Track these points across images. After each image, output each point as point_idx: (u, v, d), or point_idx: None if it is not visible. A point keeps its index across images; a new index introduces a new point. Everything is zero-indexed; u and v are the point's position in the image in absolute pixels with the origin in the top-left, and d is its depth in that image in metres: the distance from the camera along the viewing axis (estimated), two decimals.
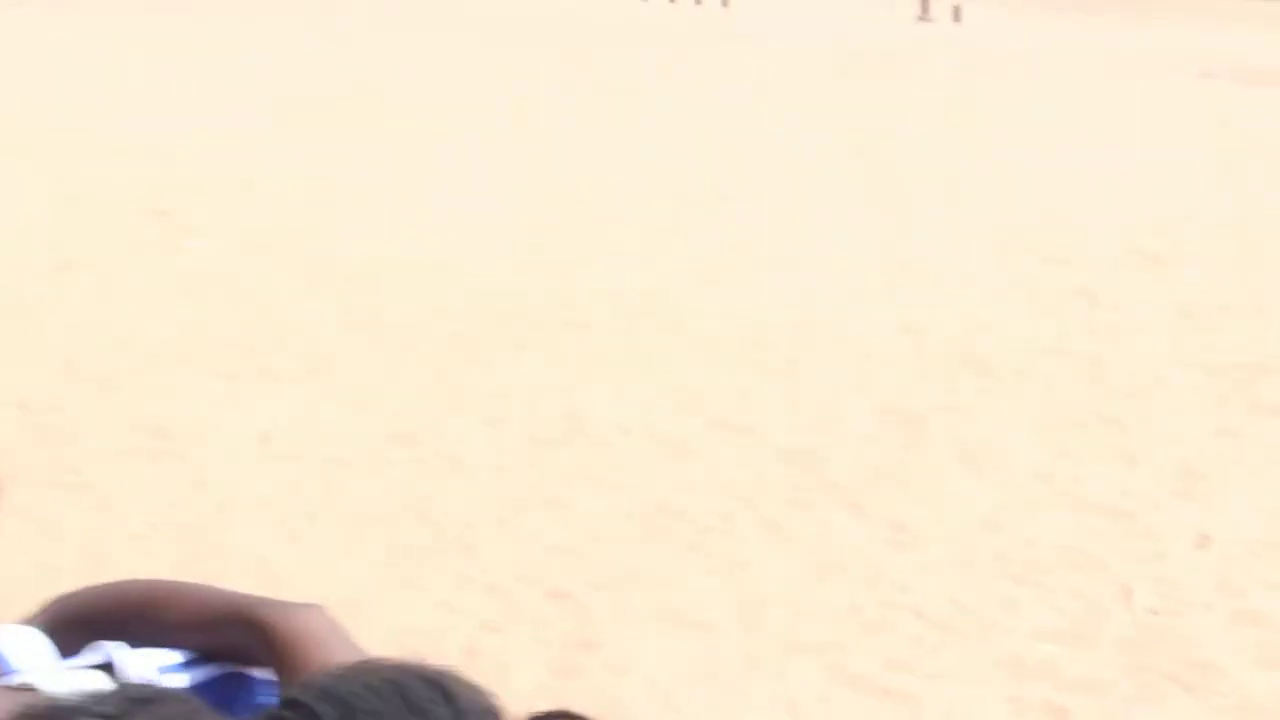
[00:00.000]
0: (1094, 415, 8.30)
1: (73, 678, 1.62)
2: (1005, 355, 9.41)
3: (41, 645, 1.79)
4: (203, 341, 9.25)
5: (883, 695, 5.18)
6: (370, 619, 5.48)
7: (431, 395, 8.36)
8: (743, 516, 6.74)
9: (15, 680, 1.68)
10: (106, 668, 1.73)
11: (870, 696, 5.18)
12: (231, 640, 1.78)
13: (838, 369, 9.05)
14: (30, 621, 1.85)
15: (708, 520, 6.69)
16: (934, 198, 14.58)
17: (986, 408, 8.39)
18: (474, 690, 1.33)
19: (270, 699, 1.59)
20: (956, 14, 40.68)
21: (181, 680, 1.77)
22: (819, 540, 6.51)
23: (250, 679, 1.80)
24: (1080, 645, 5.59)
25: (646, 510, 6.80)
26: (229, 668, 1.80)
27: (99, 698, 1.32)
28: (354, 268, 11.22)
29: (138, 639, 1.79)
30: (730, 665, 5.37)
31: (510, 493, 6.99)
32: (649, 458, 7.49)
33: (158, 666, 1.76)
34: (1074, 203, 14.47)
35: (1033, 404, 8.48)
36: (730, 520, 6.70)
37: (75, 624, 1.82)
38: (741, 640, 5.57)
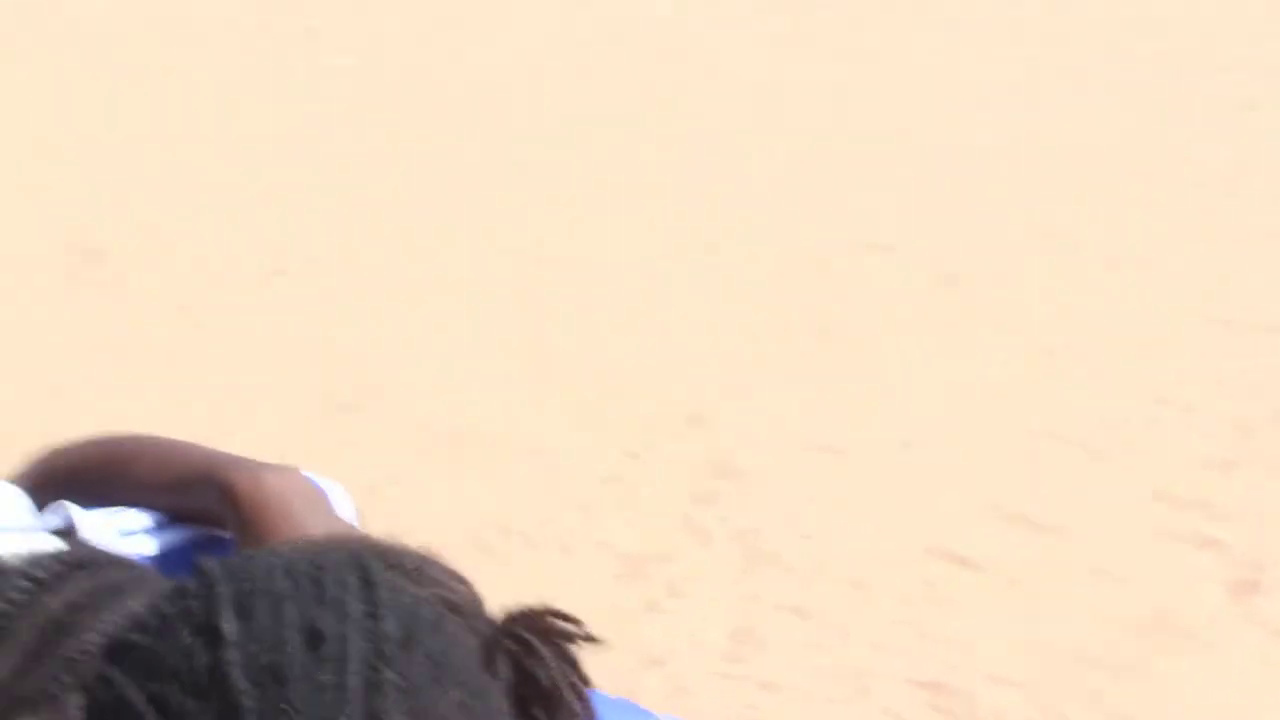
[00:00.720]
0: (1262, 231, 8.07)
1: (25, 540, 1.52)
2: (1161, 165, 9.16)
3: (19, 504, 1.68)
4: None
5: (1030, 526, 5.10)
6: (502, 439, 5.47)
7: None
8: (889, 340, 6.64)
9: None
10: (68, 531, 1.62)
11: (1017, 527, 5.10)
12: (203, 503, 1.65)
13: (986, 187, 8.86)
14: (17, 478, 1.77)
15: (852, 343, 6.60)
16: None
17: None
18: (413, 582, 1.21)
19: None
20: None
21: (146, 545, 1.64)
22: (965, 364, 6.41)
23: (228, 545, 1.65)
24: (1233, 474, 5.47)
25: (791, 329, 6.72)
26: (205, 532, 1.67)
27: (35, 560, 1.25)
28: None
29: (107, 499, 1.67)
30: (873, 495, 5.31)
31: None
32: (790, 273, 7.39)
33: (119, 529, 1.63)
34: None
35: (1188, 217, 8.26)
36: (876, 342, 6.60)
37: (54, 483, 1.71)
38: (885, 469, 5.50)
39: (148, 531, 1.65)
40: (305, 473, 1.68)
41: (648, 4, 14.34)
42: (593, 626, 1.22)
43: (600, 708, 1.24)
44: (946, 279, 7.37)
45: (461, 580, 1.23)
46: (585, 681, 1.20)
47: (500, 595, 1.27)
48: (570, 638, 1.21)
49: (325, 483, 1.67)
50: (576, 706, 1.19)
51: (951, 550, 4.95)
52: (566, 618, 1.21)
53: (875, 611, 4.62)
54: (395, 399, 6.05)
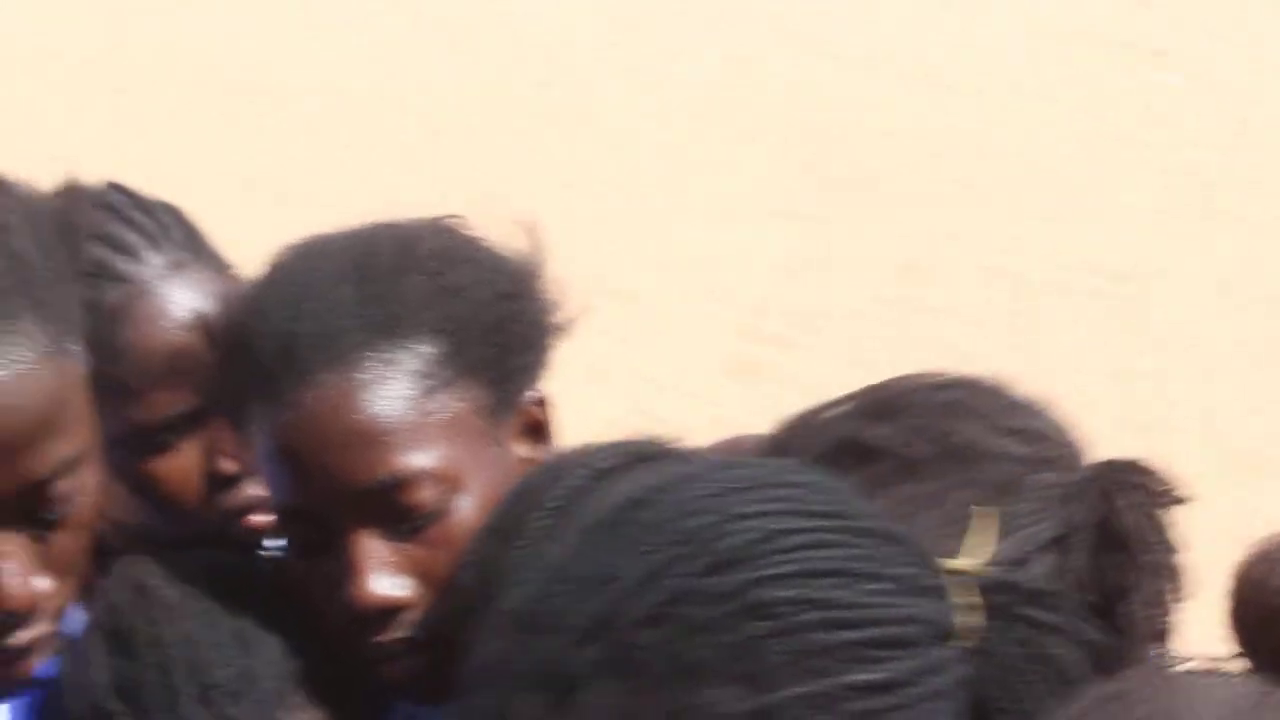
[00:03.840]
0: None
1: None
2: None
3: None
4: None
5: None
6: None
7: None
8: None
9: None
10: None
11: None
12: None
13: None
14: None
15: None
16: None
17: None
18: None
19: None
20: None
21: None
22: None
23: None
24: None
25: None
26: None
27: (597, 450, 1.42)
28: None
29: None
30: None
31: None
32: None
33: None
34: None
35: None
36: None
37: None
38: None
39: None
40: None
41: None
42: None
43: None
44: None
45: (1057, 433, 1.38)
46: (1165, 532, 1.32)
47: None
48: (1158, 491, 1.34)
49: None
50: (1153, 555, 1.30)
51: None
52: (1158, 473, 1.34)
53: None
54: None
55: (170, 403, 1.90)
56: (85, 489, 1.47)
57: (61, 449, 1.43)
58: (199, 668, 1.61)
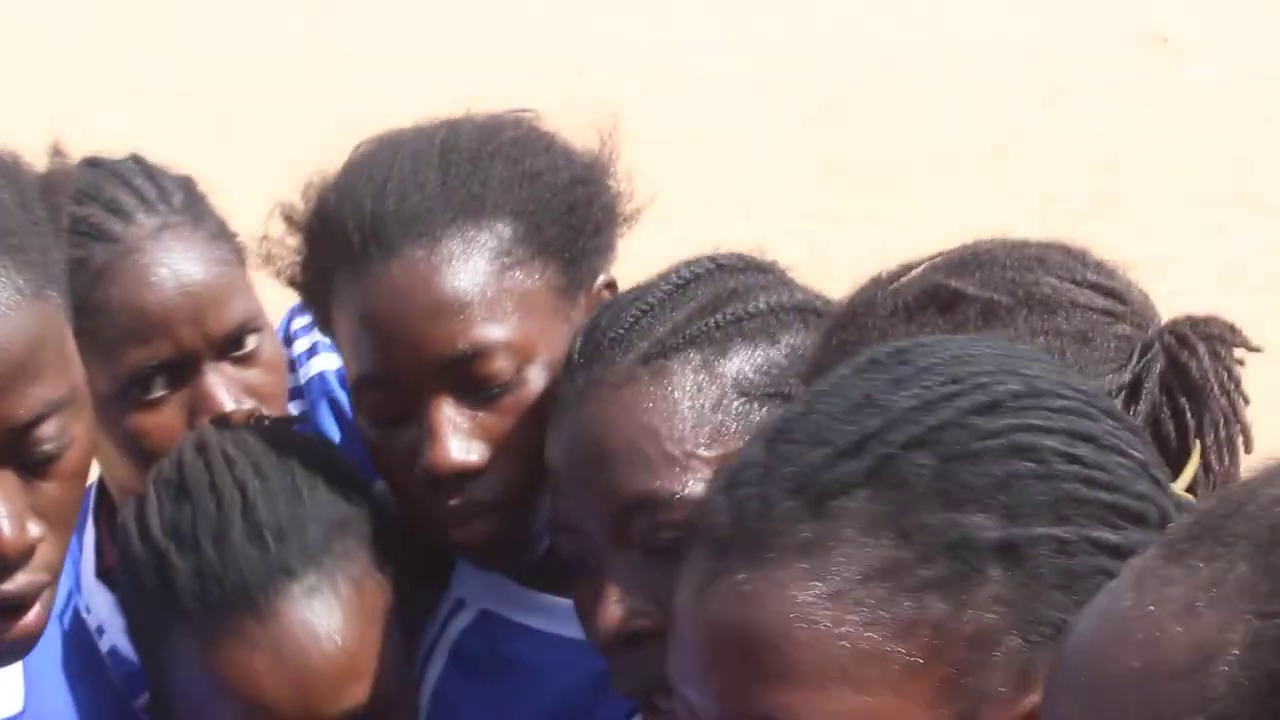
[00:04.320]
0: None
1: None
2: None
3: None
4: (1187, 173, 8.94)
5: None
6: None
7: None
8: None
9: None
10: None
11: None
12: None
13: None
14: None
15: None
16: None
17: None
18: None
19: None
20: None
21: None
22: None
23: None
24: None
25: None
26: None
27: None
28: None
29: None
30: None
31: None
32: None
33: None
34: None
35: None
36: None
37: None
38: None
39: None
40: None
41: None
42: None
43: None
44: None
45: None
46: (1236, 383, 1.38)
47: None
48: (1227, 343, 1.40)
49: None
50: (1223, 402, 1.37)
51: None
52: (1228, 326, 1.40)
53: None
54: None
55: (150, 357, 1.92)
56: (74, 438, 1.50)
57: (43, 392, 1.46)
58: (250, 510, 1.70)
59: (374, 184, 1.77)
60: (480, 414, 1.73)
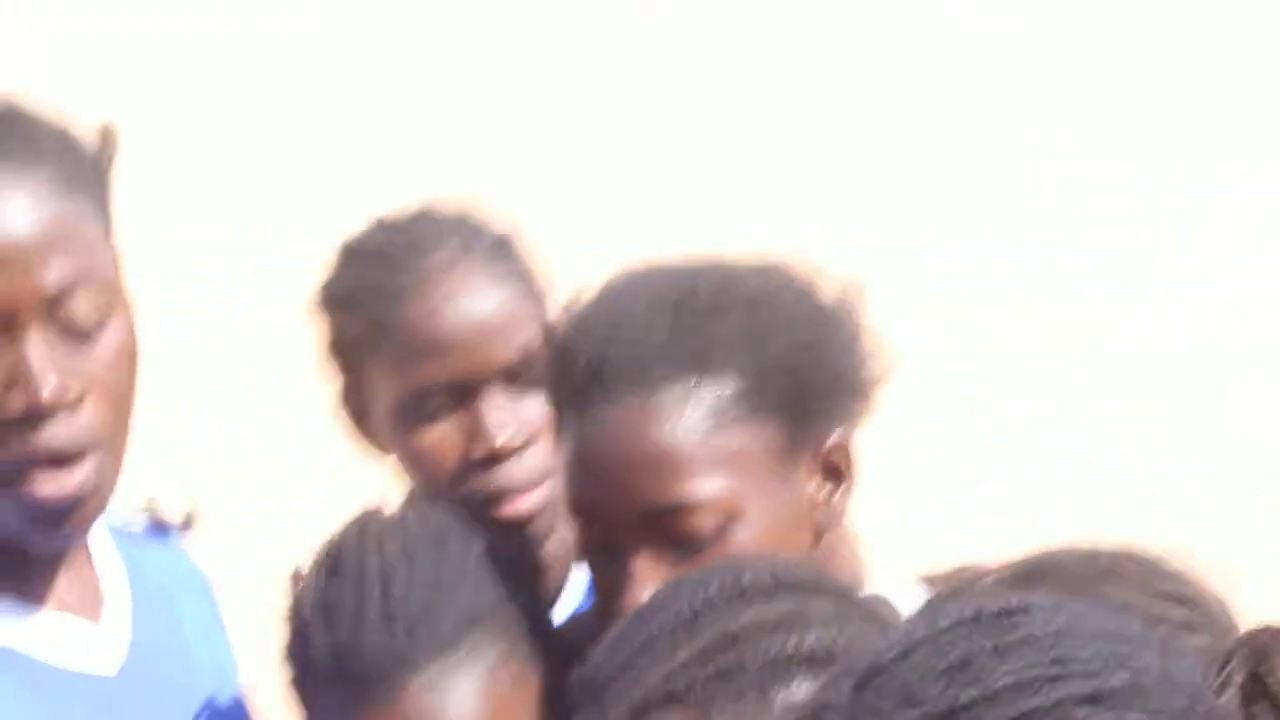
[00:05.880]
0: None
1: None
2: None
3: None
4: None
5: None
6: None
7: None
8: None
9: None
10: None
11: None
12: None
13: None
14: None
15: None
16: None
17: None
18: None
19: None
20: None
21: None
22: None
23: None
24: None
25: None
26: None
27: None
28: None
29: None
30: None
31: None
32: None
33: None
34: None
35: None
36: None
37: None
38: None
39: None
40: None
41: None
42: None
43: None
44: None
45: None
46: None
47: None
48: None
49: None
50: None
51: None
52: None
53: None
54: None
55: (433, 376, 2.04)
56: (114, 322, 1.62)
57: (71, 263, 1.58)
58: (387, 596, 1.75)
59: (606, 325, 1.80)
60: (677, 567, 1.73)
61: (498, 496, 2.05)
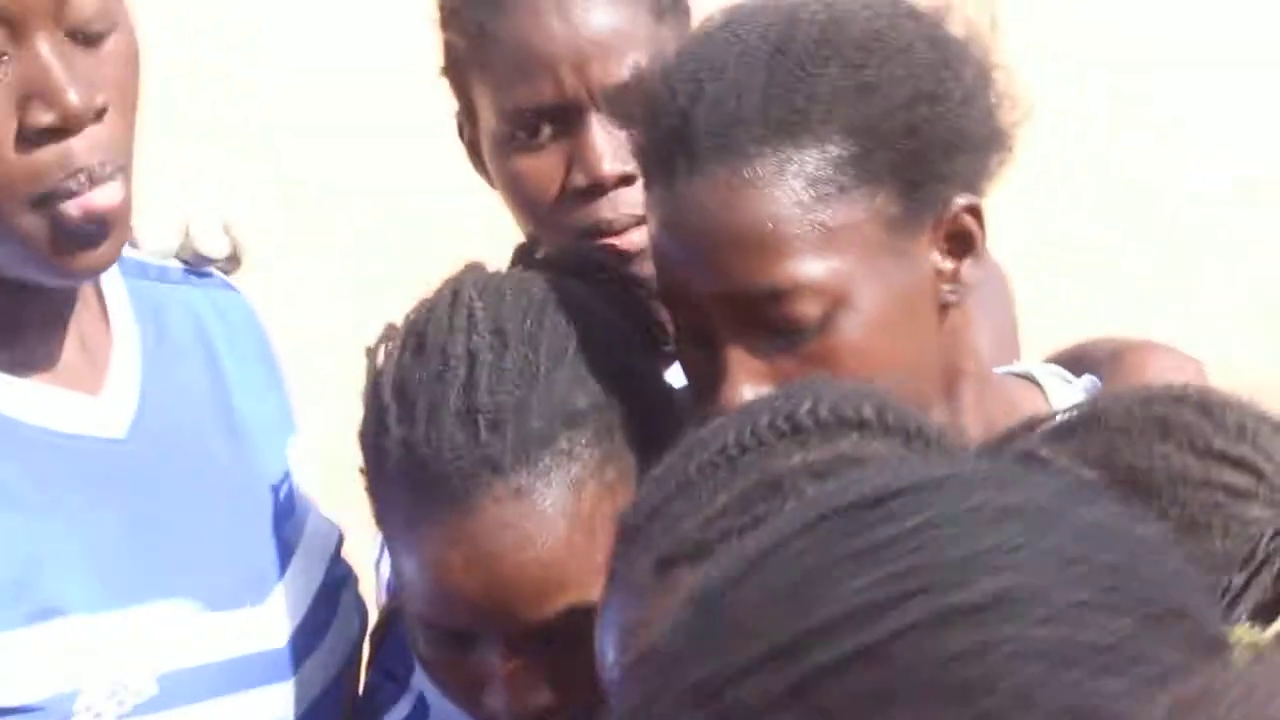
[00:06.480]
0: None
1: None
2: None
3: None
4: None
5: None
6: None
7: None
8: None
9: None
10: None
11: None
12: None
13: None
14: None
15: None
16: None
17: None
18: None
19: None
20: None
21: None
22: None
23: None
24: None
25: None
26: None
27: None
28: None
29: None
30: None
31: None
32: None
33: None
34: None
35: None
36: None
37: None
38: None
39: None
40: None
41: None
42: None
43: None
44: None
45: None
46: None
47: None
48: None
49: None
50: None
51: None
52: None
53: None
54: None
55: (533, 98, 1.87)
56: (119, 23, 1.52)
57: None
58: (471, 386, 1.55)
59: (694, 80, 1.57)
60: (781, 359, 1.54)
61: (599, 230, 1.85)
